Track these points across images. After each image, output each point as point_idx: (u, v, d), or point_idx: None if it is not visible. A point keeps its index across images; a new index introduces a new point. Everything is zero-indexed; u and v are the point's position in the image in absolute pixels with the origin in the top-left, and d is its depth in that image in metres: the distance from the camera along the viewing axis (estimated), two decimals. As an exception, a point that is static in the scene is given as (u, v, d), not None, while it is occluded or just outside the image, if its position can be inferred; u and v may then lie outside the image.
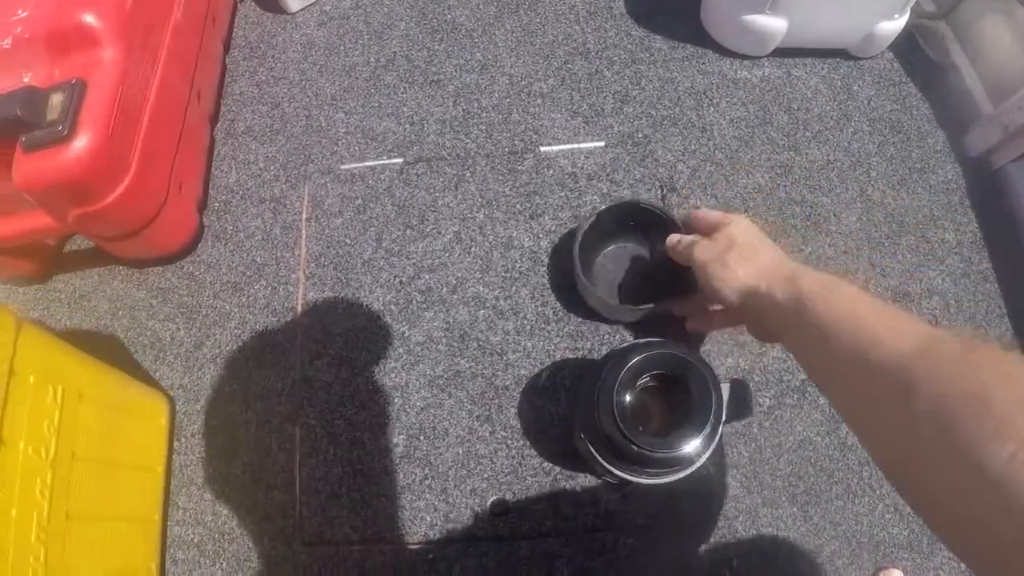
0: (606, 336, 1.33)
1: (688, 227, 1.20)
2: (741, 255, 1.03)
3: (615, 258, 1.37)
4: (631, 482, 1.07)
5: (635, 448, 1.00)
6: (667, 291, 1.26)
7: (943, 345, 0.66)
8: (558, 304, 1.36)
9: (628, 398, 1.05)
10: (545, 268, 1.39)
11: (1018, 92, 1.45)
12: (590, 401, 1.07)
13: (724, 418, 1.04)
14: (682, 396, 1.05)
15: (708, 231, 1.13)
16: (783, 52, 1.64)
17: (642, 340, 1.12)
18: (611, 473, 1.07)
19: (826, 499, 1.23)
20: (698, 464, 1.03)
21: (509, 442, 1.25)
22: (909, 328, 0.72)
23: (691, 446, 1.00)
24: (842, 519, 1.23)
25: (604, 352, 1.28)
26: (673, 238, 1.18)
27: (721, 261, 1.05)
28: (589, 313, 1.35)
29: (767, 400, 1.30)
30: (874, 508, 1.22)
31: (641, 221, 1.31)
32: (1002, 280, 1.43)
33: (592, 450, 1.07)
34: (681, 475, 1.05)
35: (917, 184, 1.51)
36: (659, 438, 1.02)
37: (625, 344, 1.11)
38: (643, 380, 1.07)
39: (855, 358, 0.75)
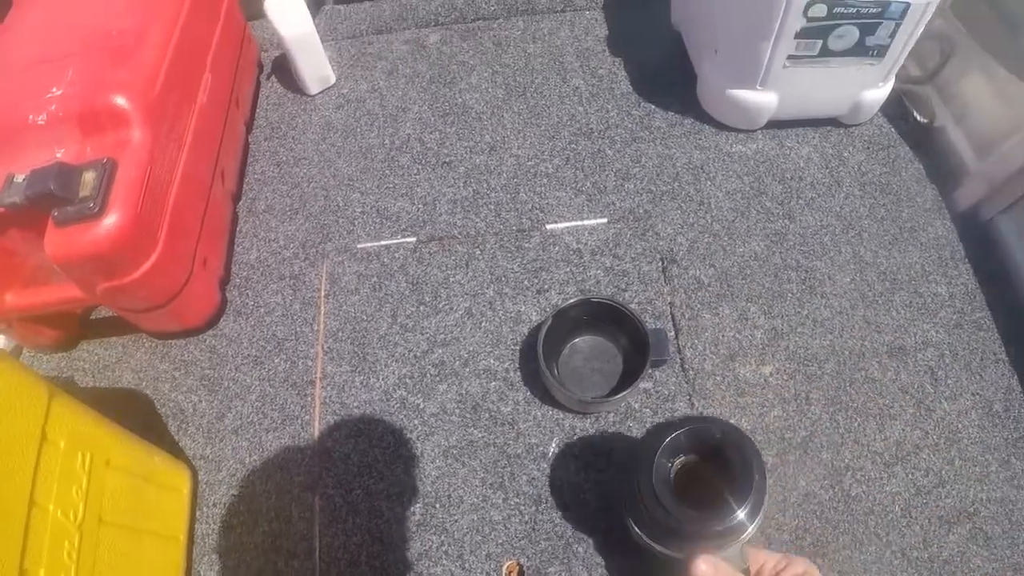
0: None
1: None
2: None
3: (580, 352, 1.41)
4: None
5: (682, 523, 0.97)
6: (632, 379, 1.29)
7: None
8: (566, 375, 1.39)
9: (671, 475, 1.02)
10: (553, 341, 1.42)
11: (1002, 147, 1.51)
12: (632, 488, 1.04)
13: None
14: (721, 468, 1.00)
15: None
16: (775, 124, 1.70)
17: (676, 418, 1.09)
18: (665, 555, 1.03)
19: (833, 549, 1.24)
20: (750, 532, 0.96)
21: (522, 508, 1.27)
22: None
23: (742, 513, 0.95)
24: (850, 568, 1.23)
25: (611, 420, 1.33)
26: (704, 571, 0.85)
27: None
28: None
29: (770, 458, 1.31)
30: (882, 555, 1.23)
31: (597, 314, 1.36)
32: (997, 327, 1.46)
33: (644, 536, 1.05)
34: (731, 549, 0.93)
35: (908, 242, 1.56)
36: (709, 511, 0.96)
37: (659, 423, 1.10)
38: (680, 459, 1.03)
39: None
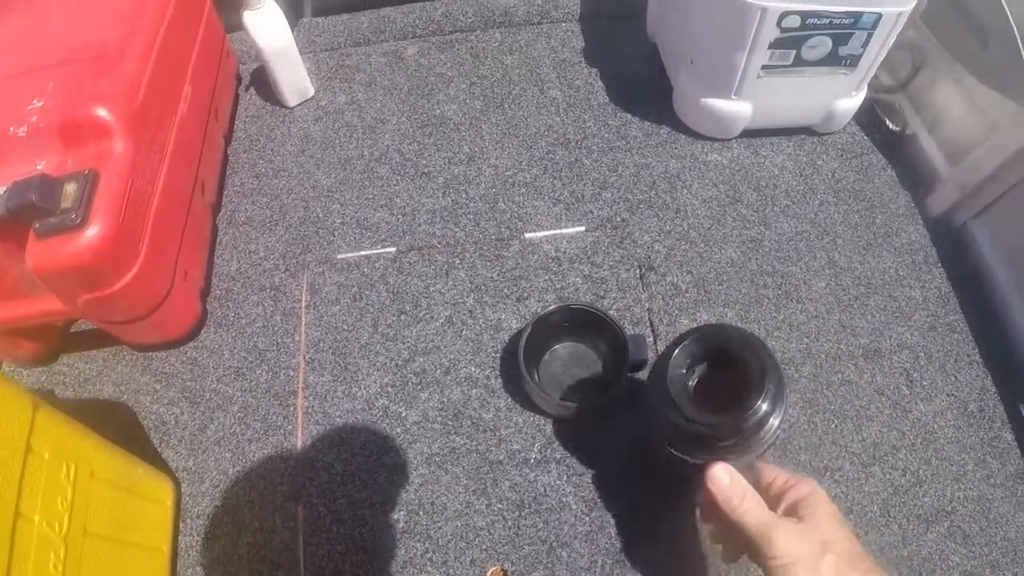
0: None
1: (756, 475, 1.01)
2: (838, 568, 0.85)
3: (560, 358, 1.42)
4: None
5: (704, 426, 1.00)
6: (610, 385, 1.31)
7: None
8: (546, 382, 1.40)
9: (688, 383, 1.07)
10: (533, 348, 1.42)
11: (973, 154, 1.53)
12: (655, 406, 1.06)
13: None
14: (739, 374, 1.01)
15: (774, 491, 0.98)
16: (750, 133, 1.72)
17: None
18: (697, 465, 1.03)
19: None
20: (774, 430, 0.98)
21: (505, 514, 1.27)
22: None
23: (764, 406, 0.97)
24: None
25: (591, 425, 1.34)
26: (721, 478, 0.96)
27: (813, 569, 0.85)
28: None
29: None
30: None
31: (577, 321, 1.37)
32: (970, 330, 1.48)
33: (674, 452, 1.06)
34: (762, 449, 1.00)
35: (882, 247, 1.58)
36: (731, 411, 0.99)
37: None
38: (697, 369, 1.09)
39: None
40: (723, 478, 0.96)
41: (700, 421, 1.00)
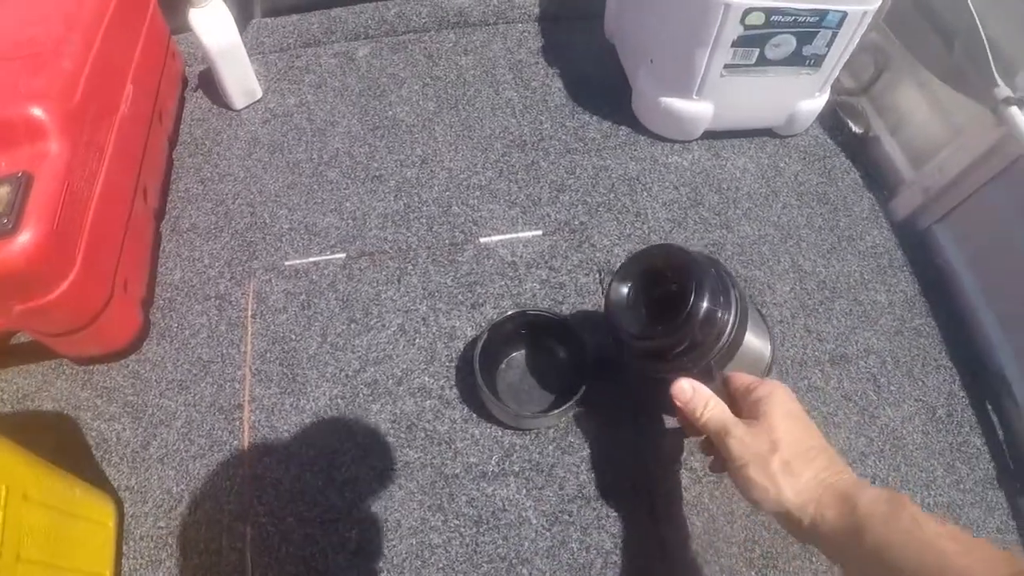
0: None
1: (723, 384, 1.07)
2: (787, 466, 0.89)
3: (517, 367, 1.39)
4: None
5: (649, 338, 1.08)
6: (570, 393, 1.26)
7: None
8: (503, 392, 1.37)
9: (626, 301, 1.14)
10: (489, 357, 1.39)
11: (936, 157, 1.53)
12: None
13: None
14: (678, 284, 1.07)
15: (739, 397, 1.02)
16: (711, 135, 1.71)
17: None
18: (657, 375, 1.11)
19: (783, 560, 1.23)
20: (728, 321, 1.04)
21: (462, 530, 1.24)
22: (979, 555, 0.67)
23: (705, 303, 1.02)
24: None
25: (551, 435, 1.32)
26: (684, 389, 1.03)
27: (763, 468, 0.90)
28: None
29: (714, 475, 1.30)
30: (832, 565, 1.22)
31: (535, 327, 1.35)
32: (936, 334, 1.48)
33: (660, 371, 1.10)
34: (721, 347, 1.05)
35: (846, 251, 1.57)
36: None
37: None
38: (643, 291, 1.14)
39: None
40: (686, 390, 1.02)
41: (644, 335, 1.09)
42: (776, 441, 0.91)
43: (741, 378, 1.03)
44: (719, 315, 1.03)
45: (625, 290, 1.14)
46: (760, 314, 1.19)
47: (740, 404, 1.01)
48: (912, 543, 0.72)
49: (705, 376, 1.05)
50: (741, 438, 0.94)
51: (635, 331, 1.10)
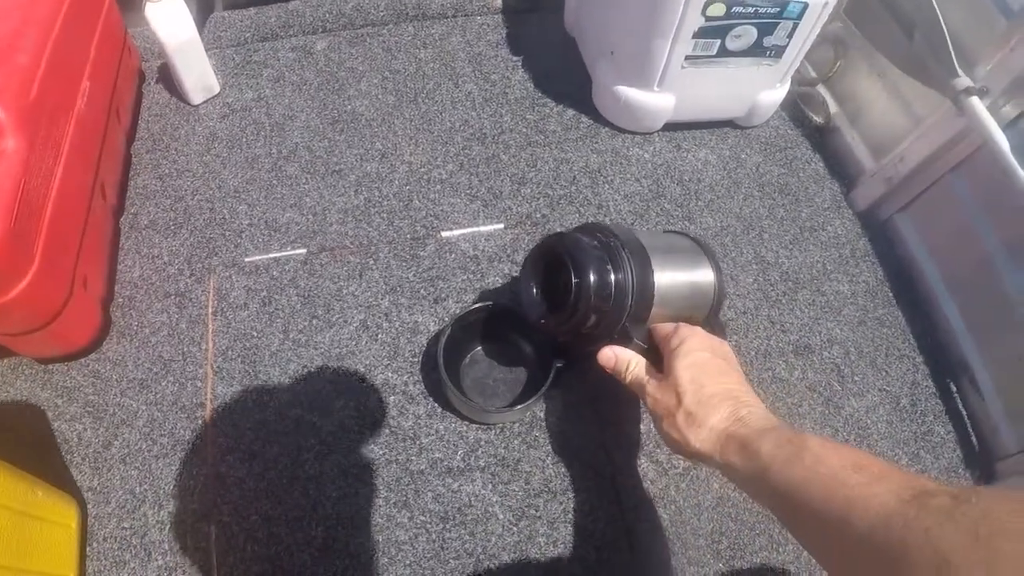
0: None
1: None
2: (690, 417, 0.92)
3: (481, 361, 1.40)
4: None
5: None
6: (535, 387, 1.27)
7: (931, 499, 0.60)
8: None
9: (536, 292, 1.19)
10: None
11: (898, 147, 1.54)
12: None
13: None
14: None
15: (661, 349, 1.04)
16: (673, 127, 1.71)
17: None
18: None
19: (751, 551, 1.24)
20: (626, 281, 1.06)
21: (428, 526, 1.24)
22: (885, 482, 0.67)
23: (591, 277, 1.04)
24: (769, 570, 1.24)
25: (516, 430, 1.32)
26: (608, 357, 1.09)
27: (670, 421, 0.95)
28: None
29: (682, 462, 1.31)
30: (799, 554, 1.24)
31: (499, 322, 1.35)
32: (899, 323, 1.50)
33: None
34: (626, 308, 1.08)
35: (808, 241, 1.58)
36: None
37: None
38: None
39: (830, 524, 0.70)
40: (609, 357, 1.08)
41: (548, 324, 1.14)
42: (681, 394, 0.95)
43: (660, 330, 1.07)
44: (609, 280, 1.06)
45: (533, 286, 1.19)
46: (698, 246, 1.21)
47: (661, 354, 1.04)
48: (816, 480, 0.73)
49: (625, 339, 1.09)
50: (653, 394, 1.00)
51: (538, 315, 1.17)
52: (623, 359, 1.07)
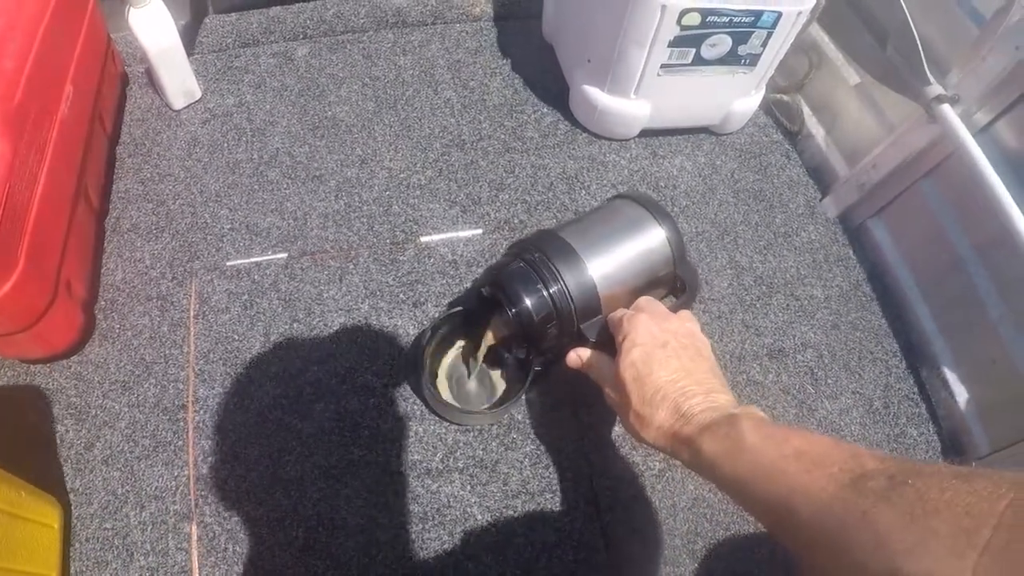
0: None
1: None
2: (639, 418, 0.94)
3: (460, 364, 1.41)
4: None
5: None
6: (515, 390, 1.30)
7: (867, 482, 0.62)
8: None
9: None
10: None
11: (871, 153, 1.55)
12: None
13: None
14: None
15: (615, 342, 1.04)
16: (649, 134, 1.73)
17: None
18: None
19: (727, 551, 1.26)
20: (560, 291, 1.11)
21: (409, 527, 1.25)
22: (823, 467, 0.68)
23: (528, 301, 1.11)
24: (744, 569, 1.25)
25: (495, 432, 1.33)
26: (574, 360, 1.12)
27: (626, 418, 0.97)
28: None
29: (657, 463, 1.32)
30: (774, 554, 1.25)
31: (477, 325, 1.34)
32: (872, 327, 1.51)
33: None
34: (573, 310, 1.12)
35: (782, 247, 1.60)
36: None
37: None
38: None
39: (777, 512, 0.72)
40: (574, 360, 1.12)
41: (521, 357, 1.23)
42: (628, 394, 0.96)
43: (611, 322, 1.09)
44: (544, 295, 1.11)
45: (505, 354, 1.30)
46: (639, 206, 1.22)
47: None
48: (758, 472, 0.75)
49: (583, 341, 1.13)
50: (609, 393, 1.03)
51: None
52: (586, 360, 1.10)
